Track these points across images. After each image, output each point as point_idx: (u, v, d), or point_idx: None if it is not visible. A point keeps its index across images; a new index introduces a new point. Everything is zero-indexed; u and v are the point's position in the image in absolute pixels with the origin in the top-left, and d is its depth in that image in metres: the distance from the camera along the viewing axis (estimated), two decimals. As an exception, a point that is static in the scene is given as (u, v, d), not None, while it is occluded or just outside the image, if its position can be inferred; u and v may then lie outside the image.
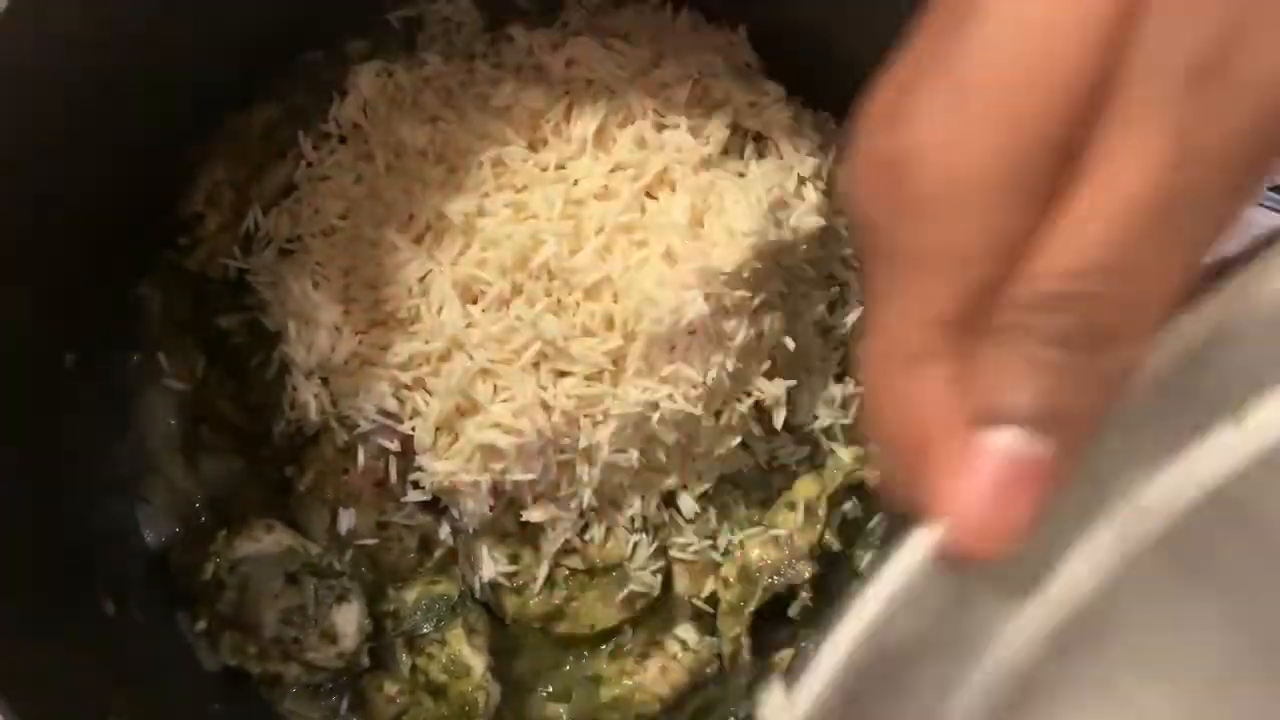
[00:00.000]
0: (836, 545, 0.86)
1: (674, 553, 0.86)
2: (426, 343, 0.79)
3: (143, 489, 0.83)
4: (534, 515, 0.82)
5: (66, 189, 0.73)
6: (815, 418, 0.88)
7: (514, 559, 0.84)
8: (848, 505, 0.89)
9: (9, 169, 0.69)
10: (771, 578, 0.84)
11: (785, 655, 0.88)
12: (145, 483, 0.83)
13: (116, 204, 0.79)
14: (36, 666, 0.65)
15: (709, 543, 0.86)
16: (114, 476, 0.82)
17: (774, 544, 0.84)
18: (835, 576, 0.89)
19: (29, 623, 0.66)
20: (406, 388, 0.80)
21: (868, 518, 0.90)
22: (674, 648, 0.85)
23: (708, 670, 0.86)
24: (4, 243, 0.69)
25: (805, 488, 0.86)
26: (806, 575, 0.84)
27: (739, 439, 0.85)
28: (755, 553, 0.84)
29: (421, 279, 0.79)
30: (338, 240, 0.82)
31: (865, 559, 0.90)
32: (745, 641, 0.84)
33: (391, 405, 0.80)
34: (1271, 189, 1.20)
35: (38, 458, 0.72)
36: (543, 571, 0.84)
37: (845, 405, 0.89)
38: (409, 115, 0.81)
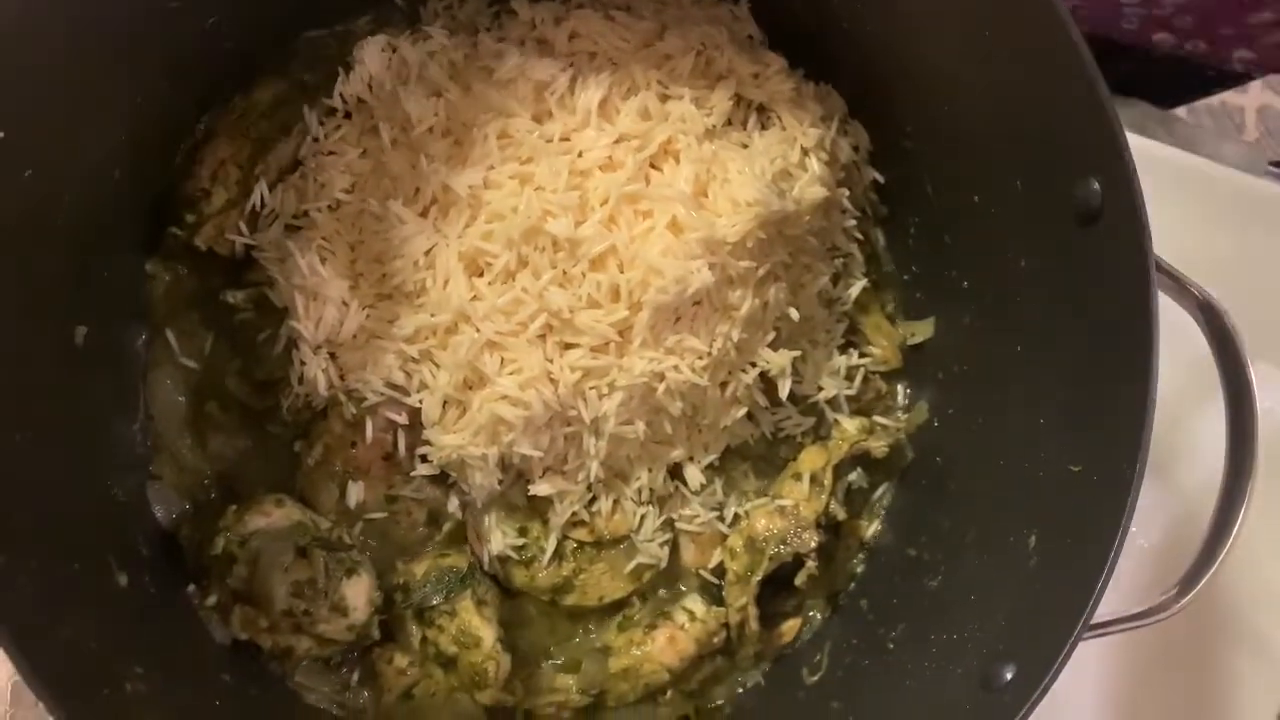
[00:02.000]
0: (842, 515, 0.87)
1: (681, 524, 0.86)
2: (433, 316, 0.79)
3: (153, 466, 0.83)
4: (542, 488, 0.83)
5: (73, 167, 0.73)
6: (820, 388, 0.89)
7: (522, 532, 0.85)
8: (853, 475, 0.90)
9: (17, 148, 0.69)
10: (778, 547, 0.84)
11: (792, 625, 0.88)
12: (155, 460, 0.83)
13: (123, 181, 0.79)
14: (55, 637, 0.66)
15: (715, 514, 0.86)
16: (125, 453, 0.82)
17: (780, 514, 0.85)
18: (840, 546, 0.90)
19: (45, 596, 0.66)
20: (414, 361, 0.81)
21: (873, 488, 0.91)
22: (682, 618, 0.86)
23: (715, 640, 0.86)
24: (12, 219, 0.69)
25: (810, 458, 0.86)
26: (813, 545, 0.84)
27: (745, 410, 0.86)
28: (761, 523, 0.85)
29: (427, 252, 0.80)
30: (344, 215, 0.83)
31: (870, 528, 0.91)
32: (752, 611, 0.85)
33: (399, 378, 0.81)
34: (1273, 163, 1.21)
35: (49, 435, 0.72)
36: (551, 544, 0.84)
37: (849, 376, 0.90)
38: (414, 89, 0.82)
